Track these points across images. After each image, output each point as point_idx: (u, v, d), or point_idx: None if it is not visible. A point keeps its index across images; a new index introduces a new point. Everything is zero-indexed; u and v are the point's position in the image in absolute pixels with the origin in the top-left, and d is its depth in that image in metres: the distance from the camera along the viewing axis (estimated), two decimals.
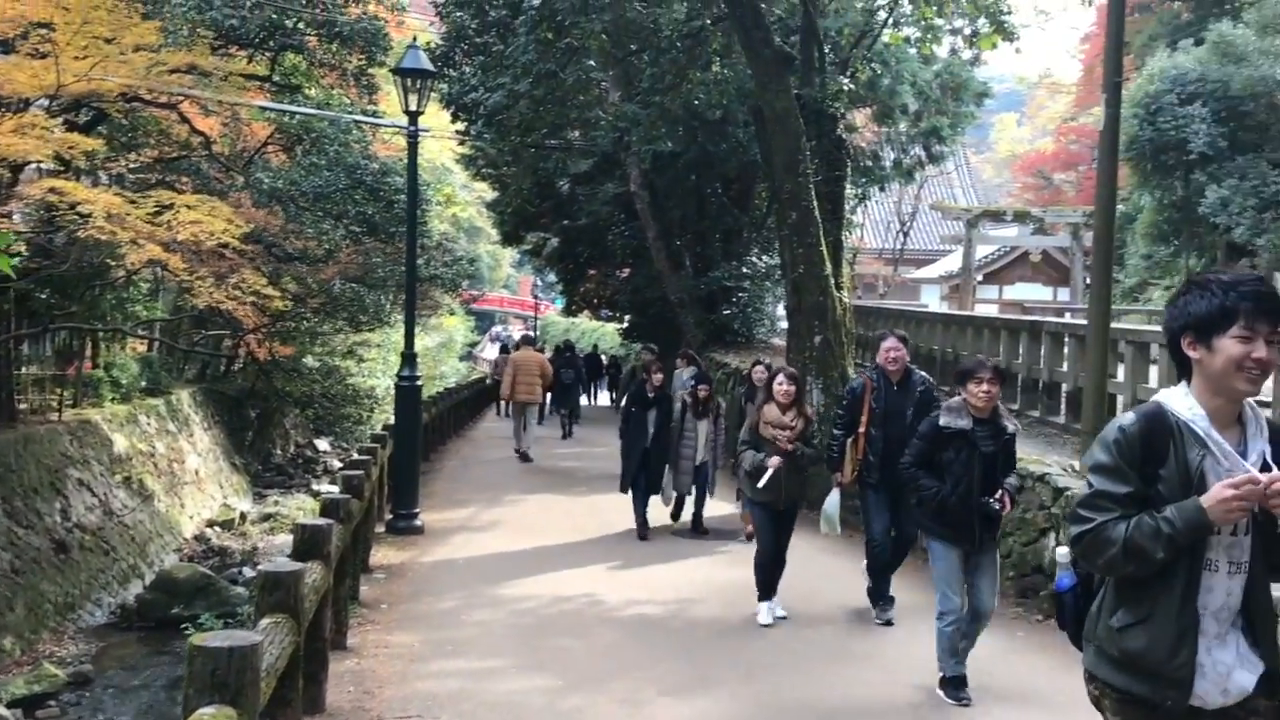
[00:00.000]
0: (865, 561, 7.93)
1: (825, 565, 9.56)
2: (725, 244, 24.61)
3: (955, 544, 6.02)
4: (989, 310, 29.79)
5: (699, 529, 11.18)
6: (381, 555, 10.01)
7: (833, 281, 13.13)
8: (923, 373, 8.07)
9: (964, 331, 15.40)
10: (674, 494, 11.29)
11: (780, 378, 7.87)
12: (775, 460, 7.52)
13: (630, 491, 11.17)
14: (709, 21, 15.04)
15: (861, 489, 7.89)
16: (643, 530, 10.97)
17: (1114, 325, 10.38)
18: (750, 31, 12.54)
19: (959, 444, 5.94)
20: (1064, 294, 29.72)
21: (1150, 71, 31.35)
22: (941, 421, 5.99)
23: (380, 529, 10.94)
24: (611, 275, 29.90)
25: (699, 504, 11.22)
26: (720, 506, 11.97)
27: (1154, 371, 10.43)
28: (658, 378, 11.36)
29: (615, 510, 11.69)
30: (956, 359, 15.33)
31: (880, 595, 7.85)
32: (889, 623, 7.74)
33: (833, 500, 7.94)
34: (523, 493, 14.14)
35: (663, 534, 11.22)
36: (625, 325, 30.99)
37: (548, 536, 11.08)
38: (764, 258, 24.23)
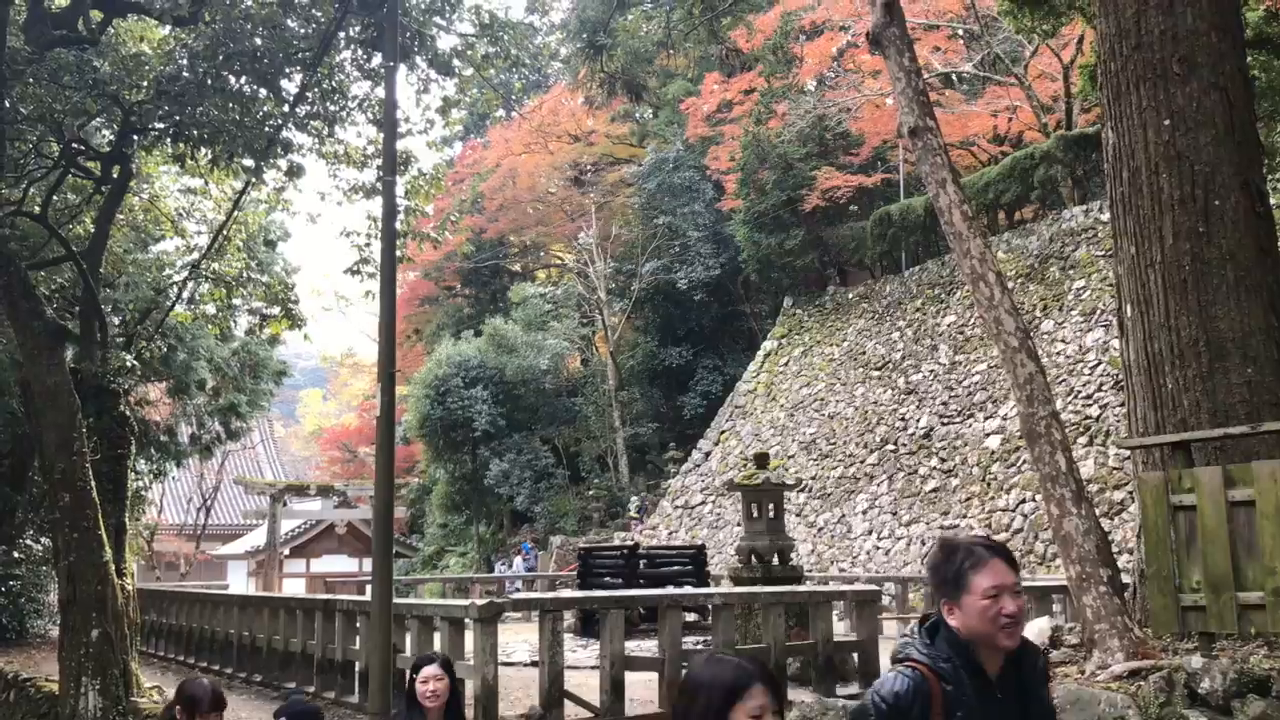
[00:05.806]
0: None
1: None
2: None
3: None
4: (297, 584, 29.59)
5: None
6: None
7: (114, 568, 12.17)
8: None
9: (260, 613, 15.03)
10: None
11: (429, 670, 4.18)
12: None
13: None
14: None
15: None
16: None
17: (399, 601, 10.83)
18: (18, 302, 11.63)
19: None
20: (370, 564, 30.53)
21: (439, 357, 34.80)
22: None
23: None
24: None
25: None
26: None
27: (438, 639, 10.99)
28: None
29: None
30: (254, 643, 14.85)
31: None
32: None
33: None
34: None
35: None
36: None
37: None
38: (44, 540, 22.05)
